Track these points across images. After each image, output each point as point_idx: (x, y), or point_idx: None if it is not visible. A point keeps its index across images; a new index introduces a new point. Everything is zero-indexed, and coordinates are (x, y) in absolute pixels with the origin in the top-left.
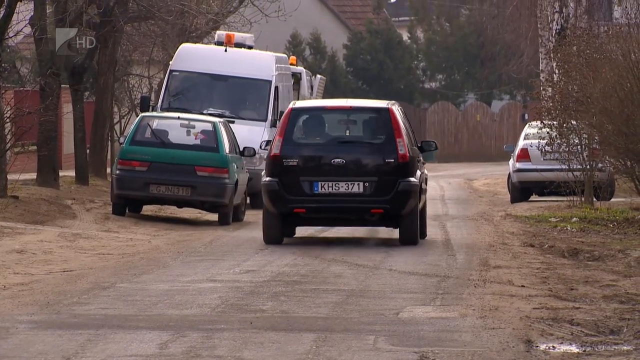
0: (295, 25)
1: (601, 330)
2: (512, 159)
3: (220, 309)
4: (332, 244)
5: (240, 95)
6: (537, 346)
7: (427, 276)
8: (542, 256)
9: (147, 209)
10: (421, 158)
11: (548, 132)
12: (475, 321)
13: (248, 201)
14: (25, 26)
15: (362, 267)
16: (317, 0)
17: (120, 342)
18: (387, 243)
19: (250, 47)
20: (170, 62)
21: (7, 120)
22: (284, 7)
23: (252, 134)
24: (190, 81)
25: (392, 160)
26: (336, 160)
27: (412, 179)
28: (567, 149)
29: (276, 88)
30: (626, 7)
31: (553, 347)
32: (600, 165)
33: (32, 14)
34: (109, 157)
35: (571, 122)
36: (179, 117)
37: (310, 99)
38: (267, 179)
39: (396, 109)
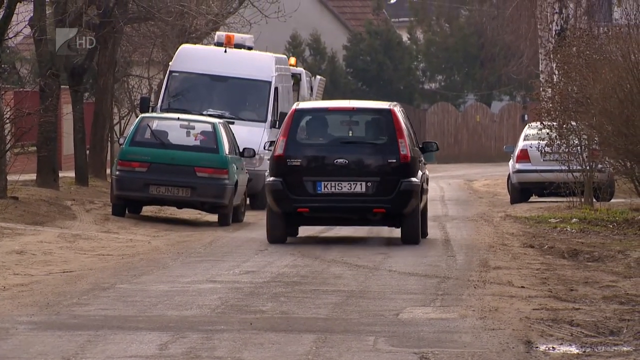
0: (295, 26)
1: (601, 331)
2: (511, 160)
3: (220, 309)
4: (332, 244)
5: (240, 96)
6: (537, 347)
7: (427, 277)
8: (541, 257)
9: (147, 210)
10: (422, 158)
11: (548, 133)
12: (475, 322)
13: (248, 202)
14: (25, 27)
15: (362, 268)
16: (317, 1)
17: (120, 343)
18: (387, 244)
19: (250, 48)
20: (170, 63)
21: (7, 121)
22: (284, 8)
23: (251, 134)
24: (190, 82)
25: (394, 160)
26: (339, 160)
27: (414, 179)
28: (566, 149)
29: (276, 89)
30: (626, 8)
31: (553, 348)
32: (600, 166)
33: (32, 14)
34: (108, 158)
35: (571, 123)
36: (178, 118)
37: (310, 99)
38: (271, 178)
39: (398, 110)
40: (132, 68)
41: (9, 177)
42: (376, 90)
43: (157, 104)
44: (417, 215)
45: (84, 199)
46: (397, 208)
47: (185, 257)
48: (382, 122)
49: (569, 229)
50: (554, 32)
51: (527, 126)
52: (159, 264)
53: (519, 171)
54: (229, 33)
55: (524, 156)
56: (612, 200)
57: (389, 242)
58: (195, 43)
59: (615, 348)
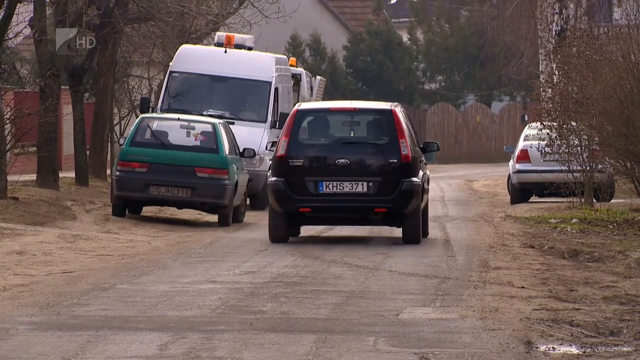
0: (295, 27)
1: (601, 332)
2: (512, 160)
3: (220, 310)
4: (333, 244)
5: (240, 97)
6: (537, 347)
7: (427, 277)
8: (542, 257)
9: (147, 210)
10: (423, 159)
11: (548, 134)
12: (475, 322)
13: (248, 202)
14: (25, 27)
15: (362, 268)
16: (317, 1)
17: (120, 343)
18: (387, 244)
19: (250, 49)
20: (170, 64)
21: (7, 121)
22: (284, 8)
23: (251, 135)
24: (190, 82)
25: (395, 160)
26: (341, 160)
27: (415, 179)
28: (567, 150)
29: (276, 89)
30: (626, 8)
31: (553, 348)
32: (600, 166)
33: (32, 15)
34: (108, 158)
35: (571, 124)
36: (178, 119)
37: (310, 100)
38: (273, 178)
39: (399, 111)
40: (132, 68)
41: (9, 178)
42: (376, 90)
43: (157, 104)
44: (418, 214)
45: (84, 200)
46: (399, 208)
47: (186, 257)
48: (384, 123)
49: (569, 230)
50: (554, 33)
51: (527, 126)
52: (159, 265)
53: (519, 171)
54: (229, 33)
55: (524, 156)
56: (612, 201)
57: (390, 242)
58: (195, 43)
59: (616, 348)
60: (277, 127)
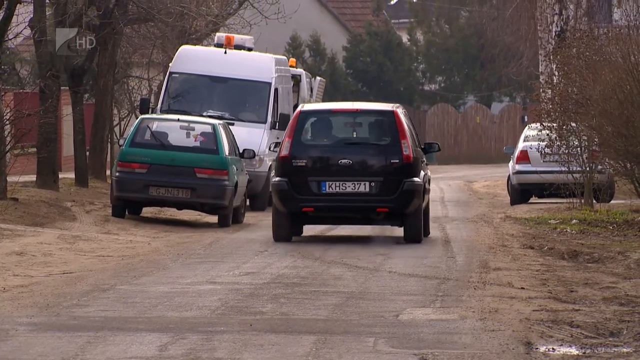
0: (294, 28)
1: (601, 332)
2: (511, 161)
3: (220, 311)
4: (333, 245)
5: (239, 97)
6: (537, 348)
7: (427, 278)
8: (541, 258)
9: (147, 211)
10: (424, 159)
11: (548, 134)
12: (475, 323)
13: (248, 203)
14: (24, 28)
15: (362, 269)
16: (317, 2)
17: (120, 344)
18: (387, 244)
19: (250, 49)
20: (170, 64)
21: (7, 122)
22: (284, 9)
23: (251, 136)
24: (189, 83)
25: (397, 161)
26: (343, 161)
27: (416, 179)
28: (566, 151)
29: (276, 90)
30: (626, 9)
31: (553, 349)
32: (600, 167)
33: (32, 16)
34: (108, 159)
35: (571, 124)
36: (178, 119)
37: (310, 101)
38: (277, 179)
39: (401, 112)
40: (132, 69)
41: (9, 179)
42: (376, 91)
43: (157, 105)
44: (420, 214)
45: (83, 200)
46: (400, 207)
47: (185, 258)
48: (385, 124)
49: (568, 230)
50: (553, 33)
51: (527, 127)
52: (159, 265)
53: (518, 172)
54: (229, 34)
55: (523, 157)
56: (612, 202)
57: (390, 243)
58: (195, 44)
59: (615, 349)
60: (277, 128)
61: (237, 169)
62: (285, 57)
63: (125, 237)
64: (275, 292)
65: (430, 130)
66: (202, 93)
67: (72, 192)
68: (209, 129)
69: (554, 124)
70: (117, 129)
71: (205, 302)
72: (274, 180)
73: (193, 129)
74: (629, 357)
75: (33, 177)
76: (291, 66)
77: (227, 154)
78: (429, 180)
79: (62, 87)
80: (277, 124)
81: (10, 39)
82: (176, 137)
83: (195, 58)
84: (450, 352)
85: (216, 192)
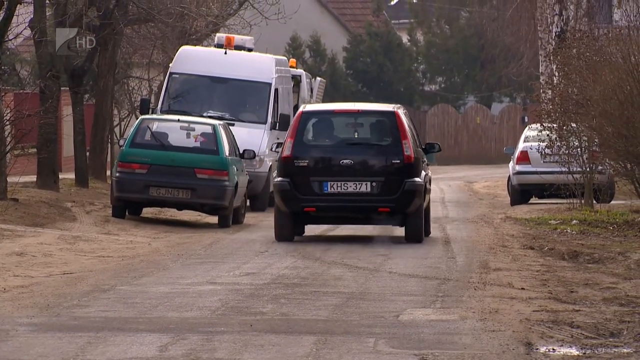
0: (295, 28)
1: (601, 333)
2: (512, 162)
3: (220, 311)
4: (333, 245)
5: (240, 98)
6: (537, 349)
7: (427, 279)
8: (542, 259)
9: (147, 212)
10: (425, 159)
11: (548, 135)
12: (476, 324)
13: (248, 203)
14: (25, 29)
15: (362, 270)
16: (317, 2)
17: (121, 344)
18: (387, 245)
19: (250, 50)
20: (170, 65)
21: (7, 122)
22: (284, 9)
23: (251, 136)
24: (190, 84)
25: (398, 161)
26: (345, 161)
27: (417, 179)
28: (567, 151)
29: (276, 90)
30: (626, 9)
31: (553, 349)
32: (600, 167)
33: (32, 16)
34: (108, 159)
35: (571, 125)
36: (178, 120)
37: (310, 101)
38: (279, 179)
39: (402, 112)
40: (132, 70)
41: (9, 179)
42: (376, 92)
43: (157, 105)
44: (421, 214)
45: (84, 201)
46: (401, 207)
47: (186, 258)
48: (387, 124)
49: (569, 231)
50: (554, 34)
51: (527, 128)
52: (159, 266)
53: (519, 173)
54: (229, 35)
55: (524, 158)
56: (612, 202)
57: (390, 243)
58: (195, 45)
59: (616, 350)
60: (277, 128)
61: (237, 170)
62: (285, 58)
63: (126, 237)
64: (276, 292)
65: (430, 130)
66: (202, 93)
67: (72, 193)
68: (209, 129)
69: (554, 125)
70: (117, 130)
71: (206, 302)
72: (276, 180)
73: (193, 130)
74: (629, 358)
75: (33, 178)
76: (291, 67)
77: (227, 154)
78: (430, 180)
79: (62, 88)
80: (278, 124)
81: (11, 40)
82: (176, 137)
83: (195, 58)
84: (451, 352)
85: (216, 193)
